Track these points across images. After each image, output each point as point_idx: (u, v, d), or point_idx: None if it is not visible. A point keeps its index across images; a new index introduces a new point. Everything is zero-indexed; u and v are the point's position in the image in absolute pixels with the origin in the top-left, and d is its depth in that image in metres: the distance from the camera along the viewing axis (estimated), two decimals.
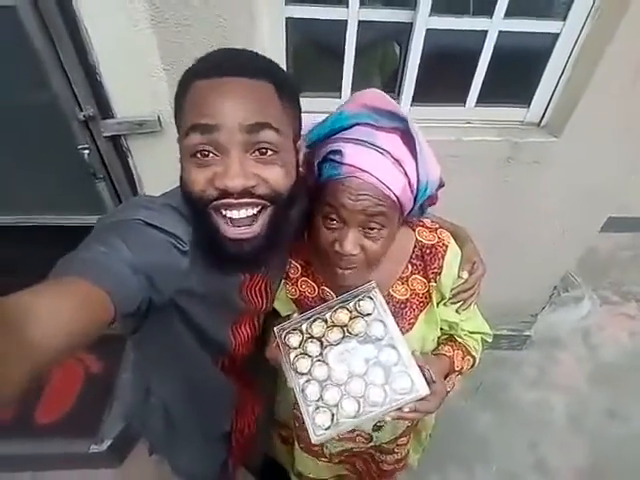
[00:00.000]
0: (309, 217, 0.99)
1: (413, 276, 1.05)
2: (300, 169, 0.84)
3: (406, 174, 0.83)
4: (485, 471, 2.17)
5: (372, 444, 1.32)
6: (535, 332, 2.70)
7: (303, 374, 0.93)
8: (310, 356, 0.95)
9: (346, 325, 0.96)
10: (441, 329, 1.13)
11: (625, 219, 2.92)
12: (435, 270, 1.03)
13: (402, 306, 1.06)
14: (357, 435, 1.30)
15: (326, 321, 0.98)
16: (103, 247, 0.64)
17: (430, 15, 1.47)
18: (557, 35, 1.58)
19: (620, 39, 1.48)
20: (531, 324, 2.66)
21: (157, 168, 1.63)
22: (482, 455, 2.21)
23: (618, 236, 3.04)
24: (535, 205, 1.96)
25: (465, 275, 1.05)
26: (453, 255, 1.05)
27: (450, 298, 1.06)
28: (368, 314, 0.96)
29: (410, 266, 1.05)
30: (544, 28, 1.57)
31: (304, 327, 0.99)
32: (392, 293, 1.05)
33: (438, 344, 1.15)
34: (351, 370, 0.92)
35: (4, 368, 0.41)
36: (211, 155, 0.71)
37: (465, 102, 1.72)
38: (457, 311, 1.08)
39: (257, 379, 1.31)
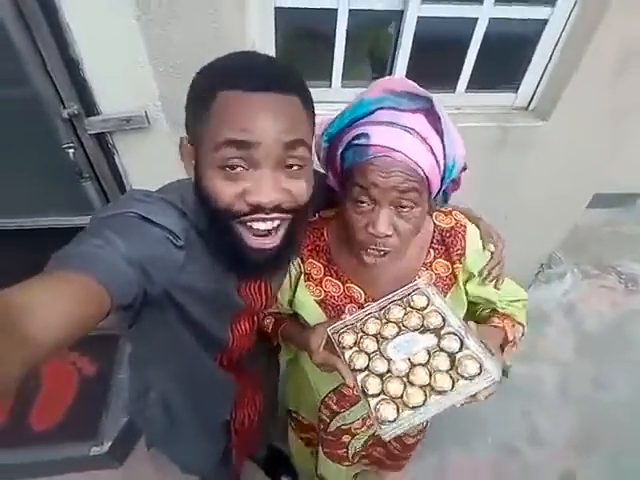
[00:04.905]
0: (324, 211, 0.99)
1: (436, 260, 1.05)
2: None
3: (433, 152, 0.82)
4: (482, 445, 2.22)
5: None
6: None
7: (361, 370, 0.90)
8: (367, 352, 0.92)
9: (401, 320, 0.94)
10: (480, 304, 1.13)
11: (603, 196, 2.99)
12: (459, 252, 1.03)
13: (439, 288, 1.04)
14: None
15: (380, 319, 0.96)
16: (97, 240, 0.64)
17: (422, 3, 1.45)
18: (546, 21, 1.59)
19: (607, 24, 1.49)
20: None
21: (144, 164, 1.60)
22: (478, 429, 2.26)
23: (596, 212, 3.12)
24: (524, 186, 2.00)
25: (492, 248, 1.04)
26: (472, 233, 1.04)
27: (485, 277, 1.04)
28: (422, 308, 0.94)
29: (432, 251, 1.05)
30: (533, 14, 1.57)
31: (358, 326, 0.97)
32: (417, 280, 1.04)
33: (483, 319, 1.12)
34: (412, 360, 0.88)
35: (1, 362, 0.41)
36: (239, 168, 0.70)
37: (455, 88, 1.72)
38: (496, 287, 1.07)
39: (255, 372, 1.31)
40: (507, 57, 1.71)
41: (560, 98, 1.69)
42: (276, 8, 1.41)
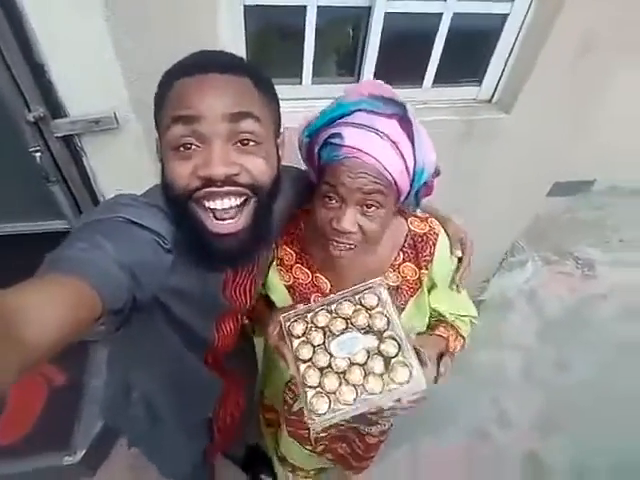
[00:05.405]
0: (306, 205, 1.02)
1: (405, 264, 1.09)
2: (280, 164, 0.85)
3: (403, 157, 0.86)
4: (452, 431, 2.30)
5: None
6: (487, 296, 2.87)
7: (305, 361, 0.94)
8: (313, 344, 0.95)
9: (350, 317, 0.97)
10: (431, 313, 1.17)
11: (561, 184, 3.11)
12: (427, 258, 1.07)
13: (393, 292, 1.08)
14: None
15: (330, 312, 0.99)
16: (87, 244, 0.64)
17: None
18: (506, 15, 1.64)
19: (564, 16, 1.55)
20: (484, 289, 2.82)
21: (113, 167, 1.56)
22: (448, 416, 2.34)
23: (555, 200, 3.24)
24: (488, 178, 2.06)
25: (459, 253, 1.09)
26: (444, 242, 1.08)
27: (453, 283, 1.10)
28: (372, 307, 0.97)
29: (402, 254, 1.09)
30: (494, 9, 1.62)
31: (309, 317, 0.99)
32: (393, 300, 1.06)
33: (430, 326, 1.18)
34: (352, 359, 0.92)
35: None
36: (193, 147, 0.72)
37: (422, 83, 1.75)
38: (458, 290, 1.12)
39: (238, 369, 1.33)
40: (471, 51, 1.76)
41: (521, 90, 1.74)
42: (245, 6, 1.40)
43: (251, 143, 0.74)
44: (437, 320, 1.18)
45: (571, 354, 2.69)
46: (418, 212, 1.11)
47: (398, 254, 1.09)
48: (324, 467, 1.74)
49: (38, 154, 1.40)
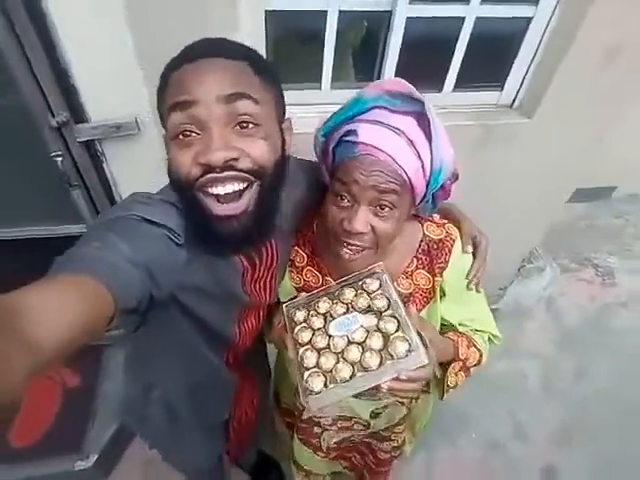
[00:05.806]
0: (318, 207, 1.00)
1: (418, 271, 1.06)
2: (286, 149, 0.84)
3: (419, 156, 0.83)
4: (467, 441, 2.26)
5: (370, 430, 1.35)
6: (503, 304, 2.82)
7: (304, 344, 0.93)
8: (313, 328, 0.95)
9: (351, 301, 0.96)
10: (443, 325, 1.13)
11: (581, 190, 3.08)
12: (441, 265, 1.04)
13: (405, 300, 1.05)
14: (354, 423, 1.33)
15: (332, 299, 0.98)
16: (99, 243, 0.64)
17: (410, 3, 1.46)
18: (530, 19, 1.62)
19: (589, 23, 1.52)
20: (500, 297, 2.78)
21: (134, 172, 1.56)
22: (463, 427, 2.31)
23: (574, 206, 3.20)
24: (507, 183, 2.03)
25: (470, 249, 1.05)
26: (460, 250, 1.05)
27: (470, 280, 1.06)
28: (373, 292, 0.96)
29: (415, 260, 1.06)
30: (518, 13, 1.60)
31: (311, 304, 0.99)
32: (395, 286, 1.04)
33: (441, 333, 1.13)
34: (350, 337, 0.90)
35: (4, 366, 0.39)
36: (193, 135, 0.71)
37: (442, 88, 1.74)
38: (477, 289, 1.08)
39: (253, 370, 1.33)
40: (492, 55, 1.74)
41: (544, 95, 1.72)
42: (267, 11, 1.40)
43: (250, 125, 0.73)
44: (448, 330, 1.13)
45: (590, 363, 2.64)
46: (435, 218, 1.07)
47: (412, 260, 1.06)
48: (338, 471, 1.72)
49: (60, 159, 1.41)
